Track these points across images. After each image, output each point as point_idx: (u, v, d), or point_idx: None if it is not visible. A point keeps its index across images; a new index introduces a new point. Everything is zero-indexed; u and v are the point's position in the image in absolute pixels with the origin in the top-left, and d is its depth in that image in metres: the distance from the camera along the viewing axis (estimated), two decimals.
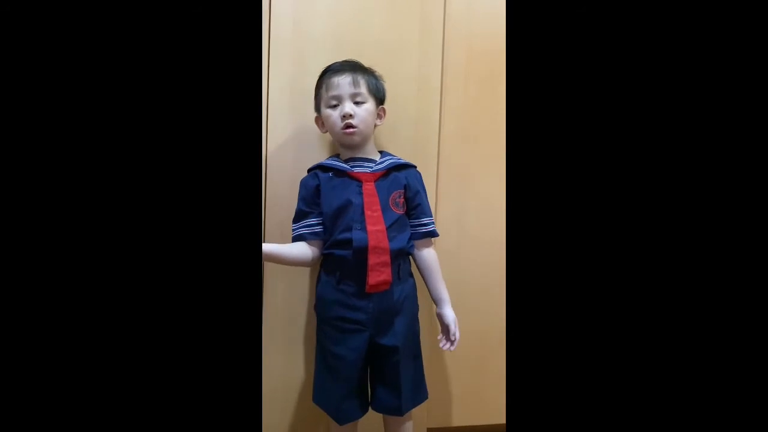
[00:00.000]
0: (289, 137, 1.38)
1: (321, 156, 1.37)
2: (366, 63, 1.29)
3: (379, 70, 1.29)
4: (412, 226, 1.27)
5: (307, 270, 1.39)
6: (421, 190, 1.29)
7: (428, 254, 1.29)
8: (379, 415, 1.30)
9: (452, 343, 1.24)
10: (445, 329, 1.25)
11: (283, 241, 1.29)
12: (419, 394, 1.29)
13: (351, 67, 1.24)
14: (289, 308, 1.42)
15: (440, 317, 1.27)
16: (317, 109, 1.29)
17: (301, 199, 1.27)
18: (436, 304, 1.28)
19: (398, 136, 1.42)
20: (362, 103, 1.22)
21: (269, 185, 1.37)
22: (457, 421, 1.53)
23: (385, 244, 1.19)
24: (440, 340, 1.25)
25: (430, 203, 1.32)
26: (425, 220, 1.28)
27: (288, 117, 1.38)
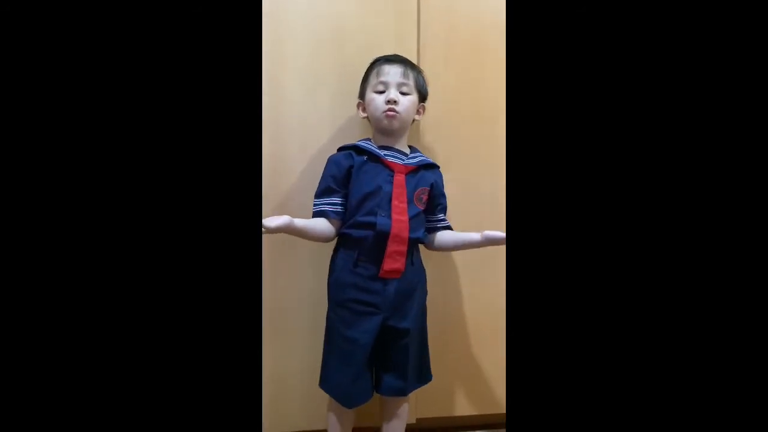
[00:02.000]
0: (266, 127, 1.36)
1: (304, 148, 1.40)
2: (342, 51, 1.36)
3: (355, 56, 1.35)
4: (429, 221, 1.34)
5: (296, 260, 1.39)
6: (443, 192, 1.37)
7: (446, 232, 1.34)
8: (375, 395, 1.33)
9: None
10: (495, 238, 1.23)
11: None
12: (424, 375, 1.35)
13: (402, 60, 1.31)
14: (278, 297, 1.41)
15: (488, 238, 1.24)
16: (361, 95, 1.33)
17: (330, 176, 1.28)
18: (478, 239, 1.26)
19: None
20: (407, 94, 1.28)
21: None
22: (446, 411, 1.56)
23: (405, 234, 1.24)
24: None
25: None
26: (441, 216, 1.36)
27: (265, 107, 1.35)
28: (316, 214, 1.27)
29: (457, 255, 1.52)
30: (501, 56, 1.36)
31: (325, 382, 1.27)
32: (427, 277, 1.36)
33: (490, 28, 1.48)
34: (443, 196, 1.36)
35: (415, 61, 1.44)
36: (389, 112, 1.25)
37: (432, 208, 1.33)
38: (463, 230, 1.34)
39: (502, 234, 1.21)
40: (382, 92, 1.27)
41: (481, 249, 1.30)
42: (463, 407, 1.57)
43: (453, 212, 1.42)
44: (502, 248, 1.27)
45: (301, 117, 1.40)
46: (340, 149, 1.31)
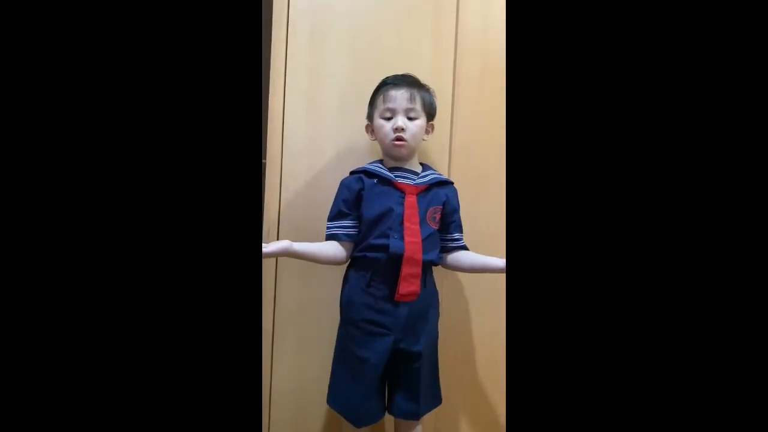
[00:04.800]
0: (303, 145, 1.43)
1: (339, 163, 1.41)
2: (379, 74, 1.34)
3: None
4: (443, 240, 1.33)
5: (319, 272, 1.40)
6: (457, 208, 1.35)
7: (465, 253, 1.33)
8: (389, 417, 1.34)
9: None
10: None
11: None
12: (434, 399, 1.35)
13: (409, 82, 1.29)
14: (300, 310, 1.44)
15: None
16: (370, 117, 1.33)
17: (342, 200, 1.29)
18: (501, 266, 1.24)
19: None
20: (415, 118, 1.27)
21: (283, 191, 1.43)
22: (465, 430, 1.55)
23: (419, 255, 1.23)
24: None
25: None
26: (456, 236, 1.35)
27: (303, 125, 1.43)
28: (328, 238, 1.28)
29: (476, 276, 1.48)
30: None
31: (334, 399, 1.29)
32: (450, 299, 1.35)
33: None
34: (456, 212, 1.34)
35: (450, 87, 1.45)
36: (397, 141, 1.25)
37: (446, 226, 1.32)
38: (490, 252, 1.31)
39: None
40: (389, 118, 1.26)
41: None
42: (484, 426, 1.54)
43: (484, 236, 1.41)
44: None
45: (338, 137, 1.43)
46: (351, 173, 1.33)
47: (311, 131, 1.42)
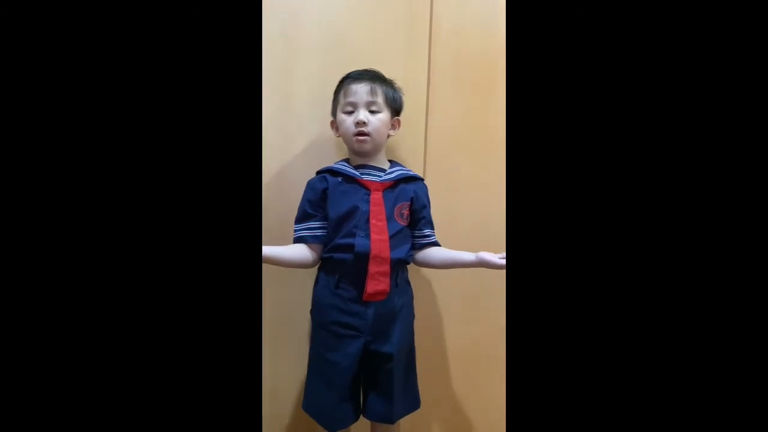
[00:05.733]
0: (277, 143, 1.40)
1: (311, 162, 1.38)
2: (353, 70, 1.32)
3: None
4: (414, 237, 1.30)
5: (298, 273, 1.37)
6: (427, 204, 1.32)
7: (436, 249, 1.30)
8: (367, 420, 1.31)
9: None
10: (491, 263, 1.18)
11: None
12: (411, 402, 1.31)
13: (370, 76, 1.26)
14: (279, 313, 1.41)
15: (483, 261, 1.19)
16: (333, 113, 1.30)
17: (307, 200, 1.27)
18: (472, 260, 1.21)
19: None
20: (377, 112, 1.24)
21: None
22: None
23: (387, 253, 1.20)
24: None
25: None
26: (427, 232, 1.31)
27: (277, 122, 1.40)
28: (296, 240, 1.26)
29: (452, 270, 1.42)
30: None
31: (308, 405, 1.26)
32: (426, 301, 1.33)
33: (501, 51, 1.40)
34: (426, 208, 1.31)
35: (424, 85, 1.43)
36: (359, 137, 1.23)
37: (415, 222, 1.29)
38: (466, 249, 1.27)
39: (498, 260, 1.16)
40: (351, 113, 1.24)
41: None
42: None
43: (460, 234, 1.39)
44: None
45: (309, 136, 1.41)
46: (317, 173, 1.30)
47: (282, 130, 1.40)
